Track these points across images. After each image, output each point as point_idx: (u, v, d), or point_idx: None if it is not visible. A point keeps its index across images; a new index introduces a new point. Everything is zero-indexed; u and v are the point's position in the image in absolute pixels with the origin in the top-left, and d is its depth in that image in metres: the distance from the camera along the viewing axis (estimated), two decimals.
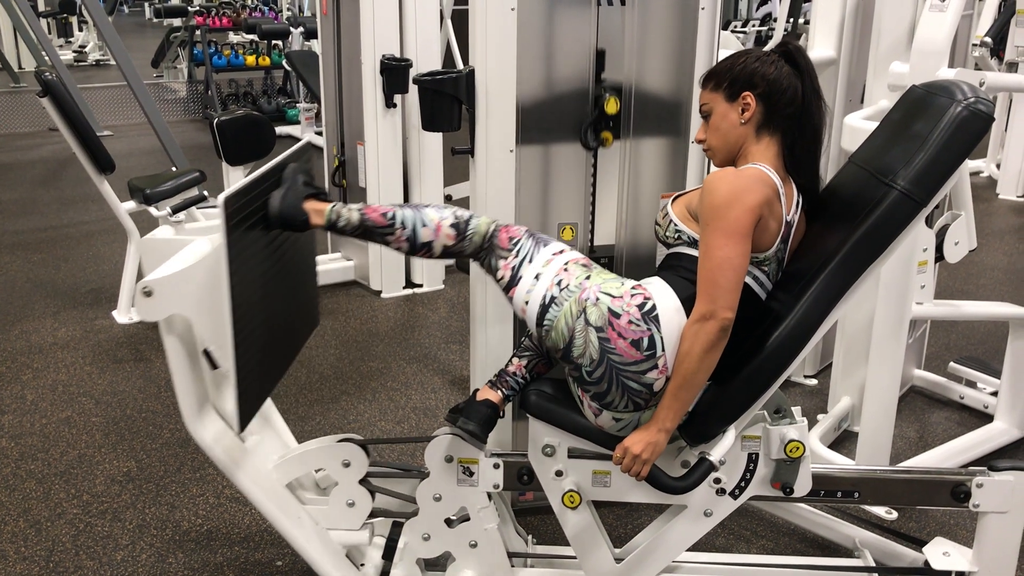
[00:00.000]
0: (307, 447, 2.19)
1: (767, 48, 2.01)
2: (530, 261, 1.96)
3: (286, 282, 2.14)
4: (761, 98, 1.87)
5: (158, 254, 1.93)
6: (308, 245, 2.32)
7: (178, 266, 1.85)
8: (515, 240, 1.99)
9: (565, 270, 1.93)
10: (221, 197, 1.75)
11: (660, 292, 1.88)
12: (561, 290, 1.90)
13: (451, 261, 4.74)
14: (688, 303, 1.85)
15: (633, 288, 1.89)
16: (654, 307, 1.85)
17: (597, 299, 1.87)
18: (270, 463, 2.17)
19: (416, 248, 1.99)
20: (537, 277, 1.93)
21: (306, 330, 2.36)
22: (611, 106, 2.38)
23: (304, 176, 2.05)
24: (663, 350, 1.83)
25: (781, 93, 1.86)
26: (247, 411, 1.94)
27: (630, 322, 1.84)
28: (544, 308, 1.91)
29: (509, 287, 1.97)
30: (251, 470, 2.10)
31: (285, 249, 2.11)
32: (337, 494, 2.18)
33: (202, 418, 2.01)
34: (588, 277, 1.92)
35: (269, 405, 2.37)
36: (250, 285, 1.89)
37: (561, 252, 1.98)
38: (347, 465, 2.16)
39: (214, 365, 1.98)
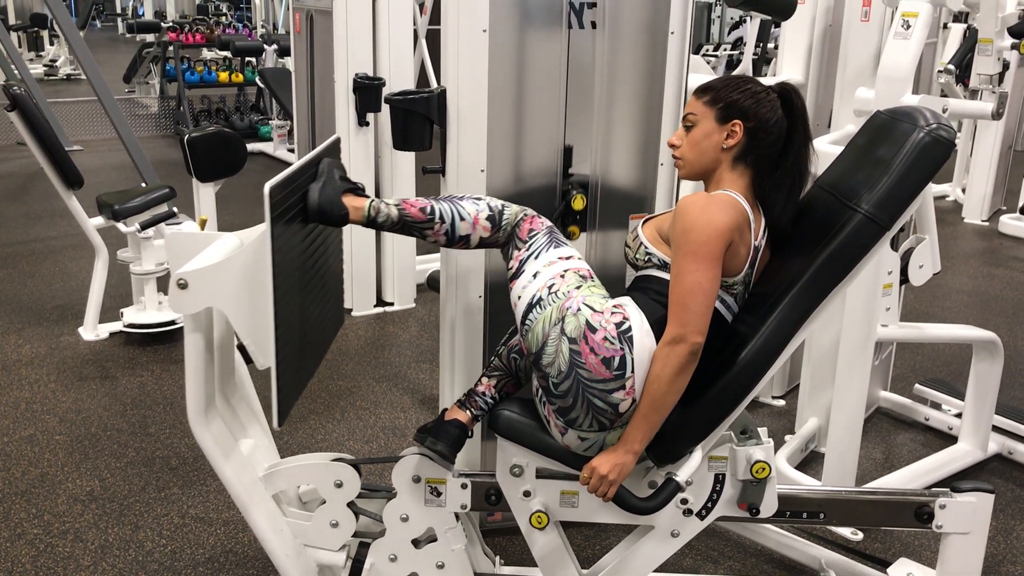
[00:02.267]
0: (300, 461, 2.17)
1: (737, 72, 2.04)
2: (536, 258, 1.97)
3: (319, 278, 2.13)
4: (748, 132, 1.89)
5: (184, 249, 1.91)
6: (337, 243, 2.32)
7: (212, 259, 1.83)
8: (533, 233, 2.01)
9: (562, 276, 1.93)
10: (267, 186, 1.73)
11: (634, 313, 1.89)
12: (550, 293, 1.91)
13: (422, 279, 4.75)
14: (657, 326, 1.86)
15: (615, 306, 1.89)
16: (630, 328, 1.85)
17: (578, 309, 1.86)
18: (260, 471, 2.15)
19: (454, 241, 2.03)
20: (535, 275, 1.95)
21: (334, 328, 2.35)
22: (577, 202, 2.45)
23: (340, 171, 2.05)
24: (632, 372, 1.84)
25: (767, 134, 1.89)
26: (286, 404, 1.92)
27: (605, 339, 1.84)
28: (530, 307, 1.92)
29: (513, 278, 1.98)
30: (243, 475, 2.08)
31: (318, 245, 2.11)
32: (323, 513, 2.16)
33: (207, 420, 2.00)
34: (579, 287, 1.92)
35: (259, 409, 2.35)
36: (289, 278, 1.88)
37: (568, 258, 1.98)
38: (339, 486, 2.14)
39: (248, 360, 1.95)
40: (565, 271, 1.95)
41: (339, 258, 2.37)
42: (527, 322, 1.92)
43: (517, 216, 2.04)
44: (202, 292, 1.82)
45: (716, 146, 1.91)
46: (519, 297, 1.95)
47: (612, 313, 1.86)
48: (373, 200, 2.01)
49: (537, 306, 1.91)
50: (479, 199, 2.05)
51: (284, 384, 1.89)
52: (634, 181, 2.55)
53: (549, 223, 2.05)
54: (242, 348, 1.95)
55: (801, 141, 1.91)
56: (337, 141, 2.25)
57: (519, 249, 2.00)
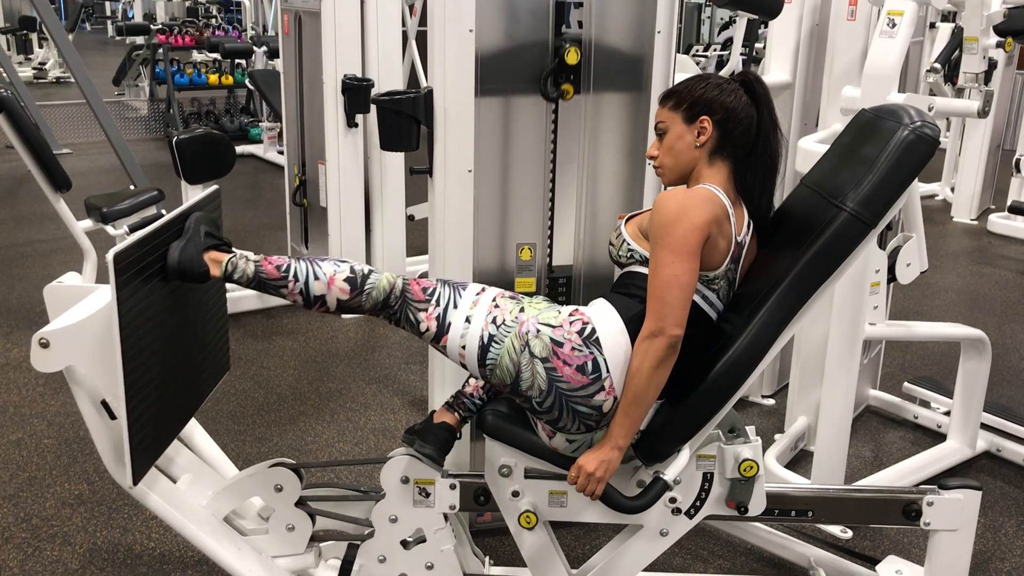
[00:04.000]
0: (238, 477, 2.19)
1: (723, 73, 2.05)
2: (455, 307, 1.94)
3: (190, 330, 2.13)
4: (718, 124, 1.90)
5: (62, 301, 1.92)
6: (217, 292, 2.30)
7: (75, 317, 1.85)
8: (430, 290, 1.96)
9: (496, 306, 1.93)
10: (110, 254, 1.73)
11: (601, 315, 1.90)
12: (498, 327, 1.90)
13: None
14: (634, 323, 1.87)
15: (570, 315, 1.90)
16: (593, 330, 1.86)
17: (538, 331, 1.87)
18: (204, 499, 2.15)
19: (310, 302, 1.95)
20: (468, 320, 1.92)
21: (214, 376, 2.33)
22: (571, 56, 2.36)
23: (207, 226, 2.03)
24: (608, 371, 1.84)
25: (737, 122, 1.89)
26: (141, 463, 1.92)
27: (573, 348, 1.85)
28: (484, 348, 1.90)
29: (439, 336, 1.93)
30: (185, 509, 2.08)
31: (189, 297, 2.10)
32: (276, 520, 2.18)
33: (125, 466, 1.97)
34: (522, 310, 1.92)
35: (203, 439, 2.37)
36: (146, 336, 1.88)
37: (483, 291, 1.97)
38: (279, 490, 2.16)
39: (112, 416, 1.95)
40: (495, 300, 1.94)
41: (221, 306, 2.35)
42: (488, 363, 1.90)
43: (393, 282, 1.96)
44: (60, 351, 1.83)
45: (690, 146, 1.92)
46: (463, 347, 1.92)
47: (570, 323, 1.88)
48: (232, 256, 1.98)
49: (492, 343, 1.89)
50: (344, 261, 1.98)
51: (139, 442, 1.88)
52: (622, 179, 2.55)
53: (436, 278, 2.02)
54: (105, 404, 1.95)
55: (768, 126, 1.91)
56: (215, 193, 2.22)
57: (424, 310, 1.94)
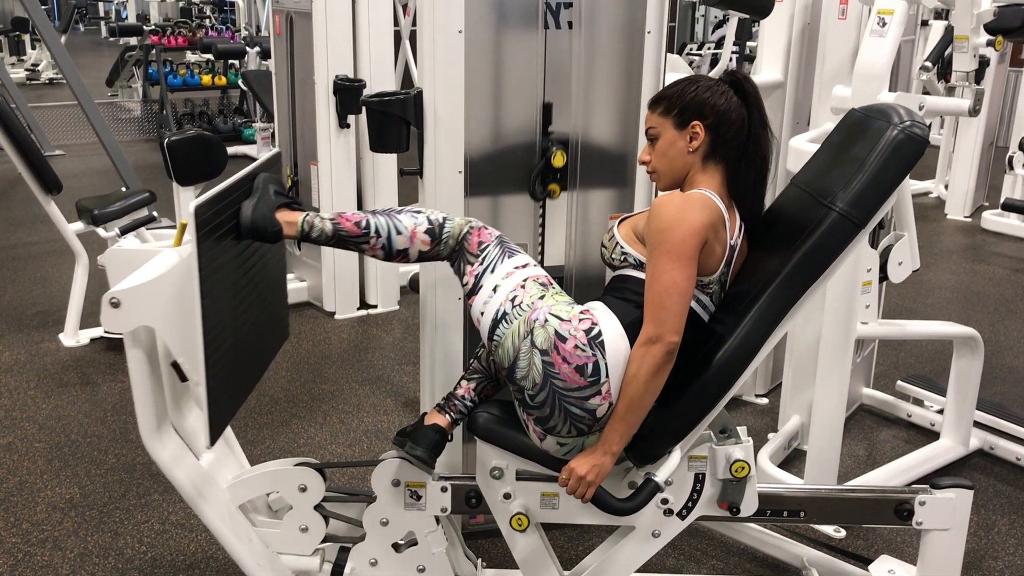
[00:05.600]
0: (263, 469, 2.16)
1: (713, 73, 2.04)
2: (492, 271, 1.95)
3: (256, 294, 2.11)
4: (710, 128, 1.89)
5: (124, 265, 1.89)
6: (278, 257, 2.29)
7: (146, 277, 1.82)
8: (483, 246, 1.98)
9: (522, 287, 1.92)
10: (191, 205, 1.71)
11: (604, 318, 1.89)
12: (514, 307, 1.89)
13: (405, 281, 4.74)
14: (631, 328, 1.86)
15: (582, 313, 1.88)
16: (600, 333, 1.85)
17: (546, 320, 1.86)
18: (224, 483, 2.13)
19: (392, 255, 1.99)
20: (495, 289, 1.92)
21: (276, 343, 2.32)
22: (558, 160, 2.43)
23: (275, 186, 2.03)
24: (607, 376, 1.83)
25: (729, 125, 1.89)
26: (218, 424, 1.90)
27: (576, 347, 1.83)
28: (495, 323, 1.90)
29: (470, 294, 1.96)
30: (205, 489, 2.06)
31: (255, 260, 2.08)
32: (291, 519, 2.15)
33: (160, 435, 1.97)
34: (542, 297, 1.91)
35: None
36: (220, 296, 1.86)
37: (524, 267, 1.96)
38: (303, 490, 2.13)
39: (183, 378, 1.93)
40: (524, 280, 1.93)
41: (281, 272, 2.34)
42: (495, 338, 1.91)
43: (461, 229, 2.00)
44: (134, 311, 1.80)
45: (682, 152, 1.91)
46: (482, 313, 1.93)
47: (580, 320, 1.86)
48: (307, 215, 1.98)
49: (503, 321, 1.89)
50: (419, 212, 2.01)
51: (215, 402, 1.87)
52: (614, 181, 2.55)
53: (498, 232, 2.03)
54: (175, 366, 1.93)
55: (758, 127, 1.91)
56: (277, 156, 2.23)
57: (471, 264, 1.97)
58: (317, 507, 2.15)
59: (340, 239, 1.97)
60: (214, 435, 1.89)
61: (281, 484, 2.14)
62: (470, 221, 2.03)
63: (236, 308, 1.97)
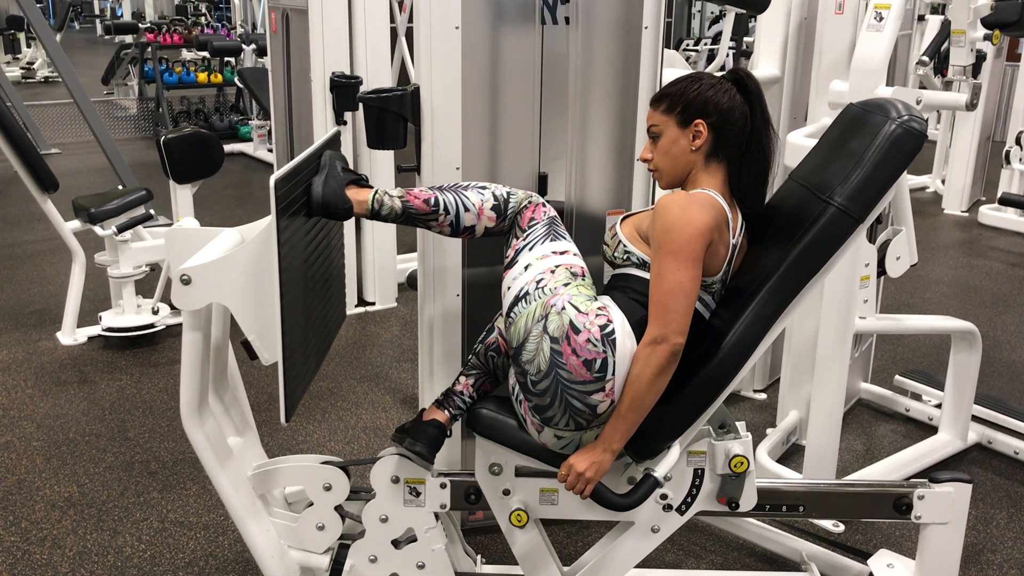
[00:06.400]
0: (289, 462, 2.16)
1: (711, 70, 2.03)
2: (530, 249, 1.95)
3: (322, 273, 2.12)
4: (713, 127, 1.88)
5: (185, 245, 1.89)
6: (339, 237, 2.30)
7: (216, 254, 1.81)
8: (533, 222, 1.99)
9: (552, 272, 1.91)
10: (271, 179, 1.72)
11: (616, 315, 1.87)
12: (537, 288, 1.88)
13: (403, 279, 4.74)
14: (636, 327, 1.85)
15: (599, 308, 1.87)
16: (613, 330, 1.84)
17: (563, 308, 1.84)
18: (249, 470, 2.14)
19: (459, 231, 2.01)
20: (527, 267, 1.92)
21: (337, 323, 2.33)
22: None
23: (342, 162, 2.03)
24: (613, 374, 1.83)
25: (732, 123, 1.88)
26: (293, 399, 1.91)
27: (588, 340, 1.82)
28: (516, 300, 1.90)
29: (507, 267, 1.96)
30: (232, 473, 2.07)
31: (321, 239, 2.09)
32: (309, 515, 2.15)
33: (200, 416, 1.99)
34: (567, 285, 1.89)
35: (251, 414, 2.34)
36: (294, 273, 1.86)
37: (563, 253, 1.95)
38: (328, 488, 2.13)
39: (252, 356, 1.93)
40: (556, 266, 1.92)
41: (341, 253, 2.35)
42: (511, 315, 1.90)
43: (521, 203, 2.01)
44: (206, 288, 1.81)
45: (685, 150, 1.91)
46: (508, 288, 1.93)
47: (597, 315, 1.84)
48: (377, 192, 1.99)
49: (523, 300, 1.89)
50: (484, 188, 2.02)
51: (291, 379, 1.87)
52: (610, 177, 2.54)
53: (553, 212, 2.03)
54: (246, 344, 1.93)
55: (761, 124, 1.90)
56: (337, 134, 2.24)
57: (517, 238, 1.98)
58: (337, 507, 2.15)
59: (409, 216, 1.98)
60: (289, 410, 1.89)
61: (307, 480, 2.14)
62: (530, 196, 2.03)
63: (306, 286, 1.96)
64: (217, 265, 1.81)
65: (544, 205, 2.03)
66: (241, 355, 2.08)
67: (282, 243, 1.76)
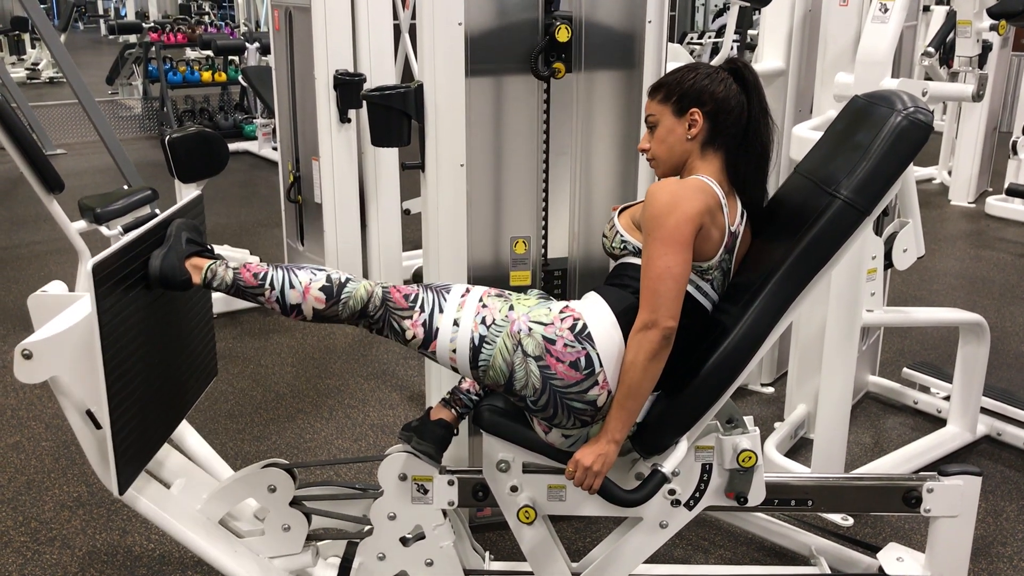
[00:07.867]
0: (230, 480, 2.19)
1: (715, 62, 2.03)
2: (441, 311, 1.90)
3: (174, 336, 2.12)
4: (708, 116, 1.88)
5: (46, 311, 1.90)
6: (200, 296, 2.28)
7: (58, 328, 1.83)
8: (412, 296, 1.92)
9: (484, 306, 1.89)
10: (89, 264, 1.72)
11: (592, 309, 1.88)
12: (488, 328, 1.87)
13: (409, 276, 4.74)
14: (627, 315, 1.85)
15: (561, 312, 1.88)
16: (585, 326, 1.85)
17: (530, 329, 1.85)
18: (198, 503, 2.15)
19: (287, 310, 1.92)
20: (456, 323, 1.88)
21: (201, 382, 2.32)
22: (562, 34, 2.33)
23: (188, 232, 2.01)
24: (601, 366, 1.83)
25: (728, 112, 1.88)
26: (128, 472, 1.91)
27: (565, 345, 1.83)
28: (475, 350, 1.87)
29: (427, 342, 1.90)
30: (178, 513, 2.07)
31: (173, 304, 2.09)
32: (271, 520, 2.17)
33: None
34: (512, 308, 1.89)
35: (196, 442, 2.36)
36: (128, 345, 1.87)
37: (468, 291, 1.94)
38: (273, 490, 2.15)
39: (97, 425, 1.93)
40: (480, 300, 1.91)
41: (206, 310, 2.33)
42: (480, 364, 1.87)
43: (371, 290, 1.91)
44: (45, 362, 1.81)
45: (681, 139, 1.91)
46: (453, 351, 1.88)
47: (561, 319, 1.86)
48: (212, 263, 1.96)
49: (484, 344, 1.86)
50: (320, 270, 1.94)
51: (123, 451, 1.87)
52: (617, 174, 2.54)
53: (417, 284, 1.99)
54: (90, 414, 1.94)
55: (758, 114, 1.90)
56: (198, 199, 2.21)
57: (409, 318, 1.90)
58: (295, 504, 2.17)
59: (239, 289, 1.93)
60: (123, 482, 1.89)
61: (250, 489, 2.16)
62: (380, 282, 1.96)
63: (147, 354, 1.96)
64: (55, 340, 1.82)
65: (402, 284, 1.96)
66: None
67: (105, 324, 1.76)
